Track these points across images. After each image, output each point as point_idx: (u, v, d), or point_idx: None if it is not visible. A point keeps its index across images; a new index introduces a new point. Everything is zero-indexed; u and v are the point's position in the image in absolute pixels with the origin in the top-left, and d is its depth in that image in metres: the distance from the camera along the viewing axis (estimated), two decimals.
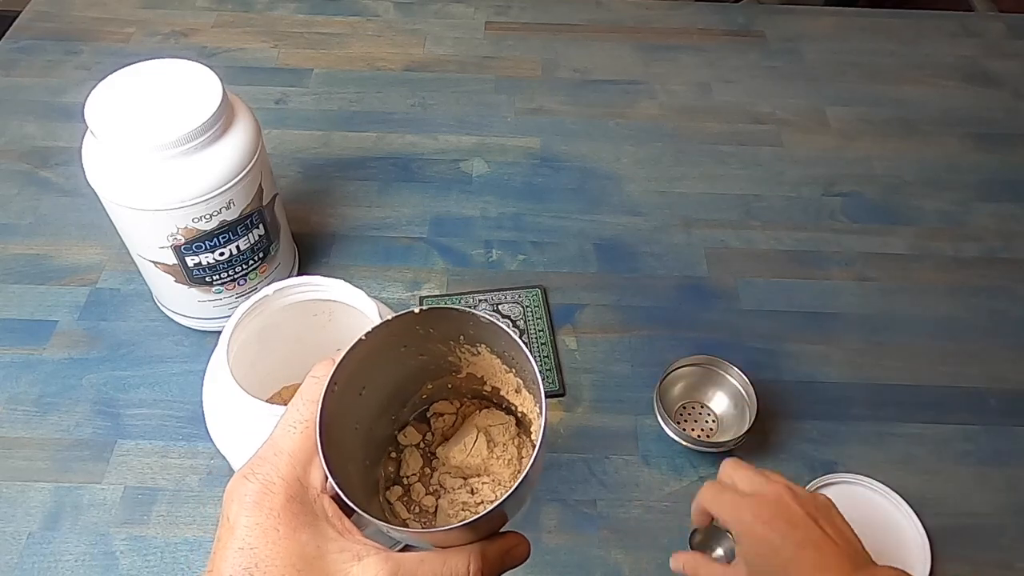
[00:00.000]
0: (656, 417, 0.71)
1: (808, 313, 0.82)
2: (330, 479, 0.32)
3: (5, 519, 0.65)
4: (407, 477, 0.41)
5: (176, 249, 0.67)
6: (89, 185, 0.66)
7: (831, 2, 1.51)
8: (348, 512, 0.34)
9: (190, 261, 0.69)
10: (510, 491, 0.32)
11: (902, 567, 0.50)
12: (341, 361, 0.35)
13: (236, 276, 0.73)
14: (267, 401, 0.54)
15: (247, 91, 0.99)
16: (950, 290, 0.85)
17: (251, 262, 0.73)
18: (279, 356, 0.61)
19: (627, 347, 0.78)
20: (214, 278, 0.71)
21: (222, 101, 0.64)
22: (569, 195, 0.92)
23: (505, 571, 0.35)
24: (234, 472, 0.33)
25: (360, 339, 0.36)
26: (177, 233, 0.66)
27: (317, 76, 1.05)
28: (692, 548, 0.62)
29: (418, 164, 0.95)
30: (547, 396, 0.46)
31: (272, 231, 0.74)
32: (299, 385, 0.36)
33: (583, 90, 1.05)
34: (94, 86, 0.65)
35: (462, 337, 0.39)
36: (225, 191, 0.65)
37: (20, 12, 1.13)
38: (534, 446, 0.38)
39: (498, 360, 0.40)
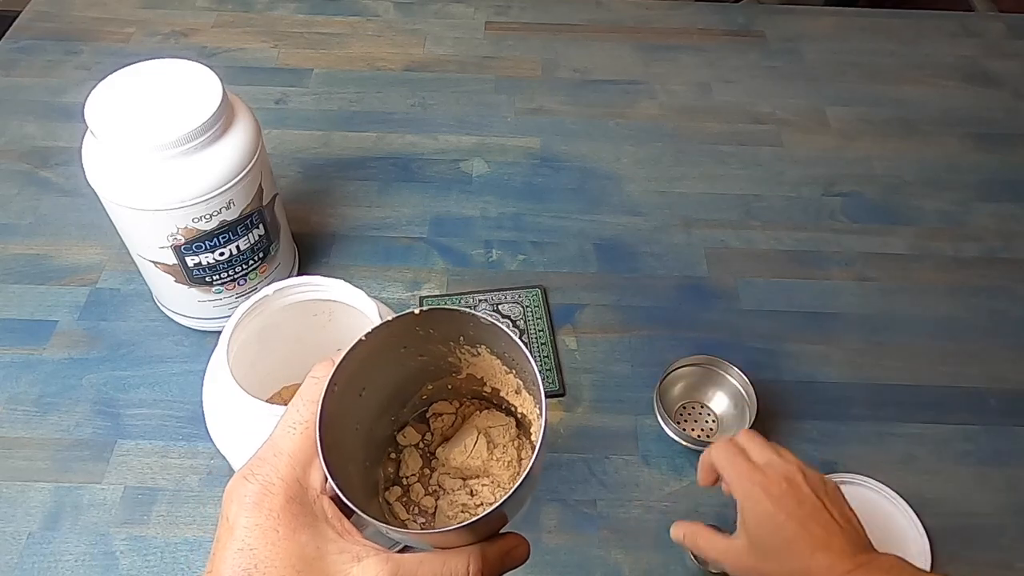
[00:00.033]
0: (656, 417, 0.71)
1: (808, 313, 0.82)
2: (330, 480, 0.32)
3: (5, 519, 0.65)
4: (406, 478, 0.41)
5: (176, 249, 0.67)
6: (89, 185, 0.66)
7: (831, 2, 1.51)
8: (348, 513, 0.34)
9: (190, 261, 0.69)
10: (509, 493, 0.32)
11: None
12: (341, 362, 0.35)
13: (236, 276, 0.73)
14: (267, 401, 0.54)
15: (247, 91, 0.99)
16: (950, 290, 0.84)
17: (251, 262, 0.73)
18: (279, 356, 0.61)
19: (627, 347, 0.78)
20: (214, 278, 0.71)
21: (222, 101, 0.64)
22: (569, 195, 0.92)
23: (505, 572, 0.35)
24: (234, 472, 0.34)
25: (360, 340, 0.36)
26: (177, 233, 0.66)
27: (317, 76, 1.05)
28: None
29: (418, 164, 0.95)
30: (547, 396, 0.46)
31: (272, 231, 0.74)
32: (299, 385, 0.36)
33: (583, 90, 1.05)
34: (94, 86, 0.65)
35: (462, 338, 0.39)
36: (225, 191, 0.65)
37: (20, 12, 1.13)
38: (534, 447, 0.38)
39: (498, 361, 0.40)
